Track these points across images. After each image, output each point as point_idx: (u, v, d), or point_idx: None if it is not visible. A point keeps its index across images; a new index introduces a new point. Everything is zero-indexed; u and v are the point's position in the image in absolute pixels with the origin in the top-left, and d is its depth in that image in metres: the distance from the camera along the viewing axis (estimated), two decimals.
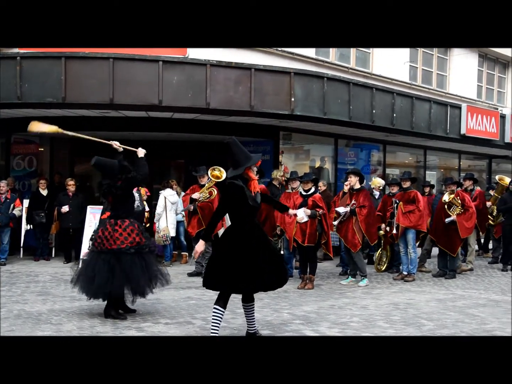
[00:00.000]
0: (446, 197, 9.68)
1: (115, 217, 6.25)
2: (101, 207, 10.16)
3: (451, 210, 9.62)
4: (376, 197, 10.47)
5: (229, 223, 5.24)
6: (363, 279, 8.83)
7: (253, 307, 5.25)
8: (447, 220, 9.59)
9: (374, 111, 12.07)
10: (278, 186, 10.17)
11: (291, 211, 5.99)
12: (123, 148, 6.48)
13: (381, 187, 10.83)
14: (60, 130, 6.55)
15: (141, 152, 6.42)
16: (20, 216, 10.79)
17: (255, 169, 5.32)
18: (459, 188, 10.33)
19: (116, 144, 6.47)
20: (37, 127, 6.51)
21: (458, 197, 9.67)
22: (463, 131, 14.39)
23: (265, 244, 5.11)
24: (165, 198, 10.54)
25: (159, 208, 10.49)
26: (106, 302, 6.25)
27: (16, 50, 10.65)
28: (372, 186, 11.07)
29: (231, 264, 4.89)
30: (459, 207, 9.60)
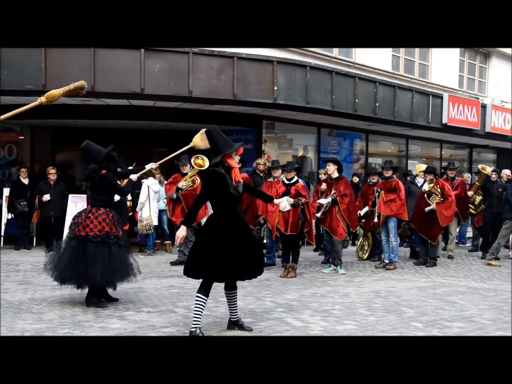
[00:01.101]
0: (425, 186, 9.78)
1: (92, 204, 6.27)
2: (83, 196, 10.13)
3: (430, 199, 9.73)
4: (419, 184, 10.53)
5: (211, 212, 5.24)
6: (341, 267, 8.92)
7: (236, 295, 5.28)
8: (426, 209, 9.70)
9: (356, 100, 12.11)
10: (261, 175, 10.19)
11: (276, 201, 5.94)
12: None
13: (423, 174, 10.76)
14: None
15: (134, 177, 6.83)
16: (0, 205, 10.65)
17: (236, 157, 5.25)
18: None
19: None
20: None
21: (438, 186, 9.79)
22: (444, 120, 14.52)
23: (247, 233, 5.12)
24: (148, 187, 10.49)
25: (142, 197, 10.44)
26: (78, 289, 6.25)
27: None
28: (415, 173, 11.19)
29: (213, 252, 4.89)
30: (439, 196, 9.71)
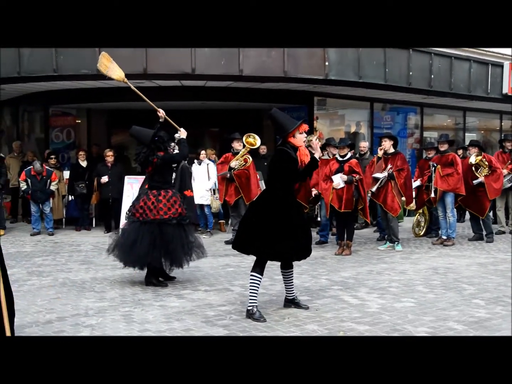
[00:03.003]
0: (472, 159, 9.50)
1: (157, 187, 6.28)
2: (138, 177, 10.29)
3: (478, 171, 9.46)
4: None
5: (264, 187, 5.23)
6: (398, 244, 8.77)
7: (292, 273, 5.28)
8: (475, 181, 9.43)
9: (411, 73, 11.78)
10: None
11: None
12: (165, 118, 6.49)
13: None
14: (126, 80, 6.56)
15: (184, 133, 6.52)
16: (57, 189, 10.98)
17: (301, 136, 5.03)
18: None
19: (161, 113, 6.46)
20: (106, 67, 6.50)
21: (485, 159, 9.49)
22: (505, 90, 13.94)
23: (300, 215, 5.13)
24: (207, 166, 10.54)
25: (213, 177, 10.42)
26: (145, 270, 6.39)
27: None
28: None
29: (266, 230, 4.86)
30: (486, 169, 9.42)
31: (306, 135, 5.14)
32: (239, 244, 5.07)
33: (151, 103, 6.55)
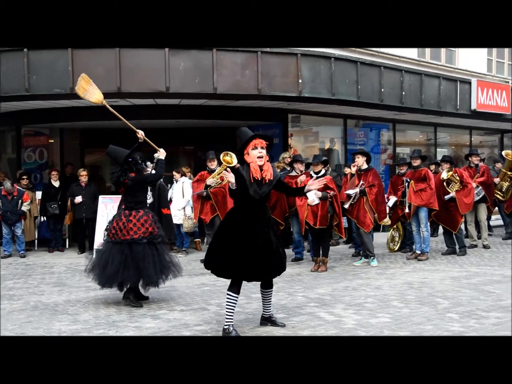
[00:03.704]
0: (444, 175, 9.66)
1: (129, 208, 6.30)
2: (113, 196, 10.23)
3: (449, 187, 9.61)
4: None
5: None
6: (373, 259, 8.83)
7: (271, 293, 5.26)
8: (446, 197, 9.59)
9: (382, 90, 11.97)
10: (288, 169, 10.15)
11: (309, 190, 5.21)
12: (144, 140, 6.51)
13: None
14: (104, 102, 6.54)
15: (163, 154, 6.53)
16: (29, 210, 10.81)
17: (253, 152, 4.84)
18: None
19: (140, 134, 6.49)
20: (84, 91, 6.47)
21: (456, 174, 9.66)
22: (473, 106, 14.23)
23: (264, 232, 4.88)
24: (183, 184, 10.54)
25: (187, 195, 10.41)
26: (120, 291, 6.35)
27: None
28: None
29: (222, 249, 4.87)
30: (458, 184, 9.58)
31: (261, 151, 4.85)
32: (206, 263, 5.08)
33: (129, 124, 6.56)
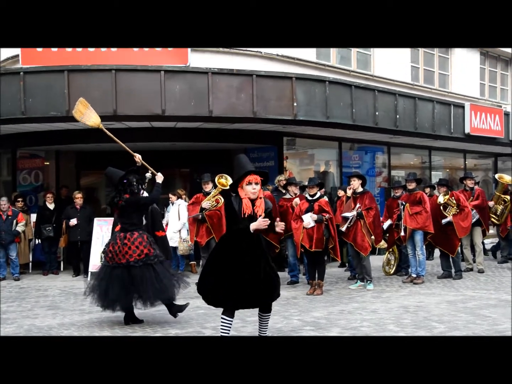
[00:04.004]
0: (441, 199, 9.66)
1: (124, 230, 6.30)
2: (108, 219, 10.20)
3: (446, 211, 9.61)
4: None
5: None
6: (369, 283, 8.80)
7: (269, 317, 5.22)
8: (443, 221, 9.58)
9: (377, 113, 12.06)
10: (283, 191, 10.17)
11: (277, 228, 5.16)
12: (142, 163, 6.57)
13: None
14: (101, 126, 6.59)
15: (160, 178, 6.58)
16: (24, 233, 10.77)
17: (247, 188, 4.85)
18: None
19: (138, 158, 6.56)
20: (81, 114, 6.52)
21: (453, 197, 9.68)
22: (467, 130, 14.35)
23: (255, 260, 4.87)
24: (179, 206, 10.55)
25: (183, 218, 10.42)
26: (114, 313, 6.37)
27: (19, 65, 10.73)
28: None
29: (213, 276, 4.87)
30: (455, 208, 9.60)
31: (254, 187, 4.85)
32: (197, 286, 5.06)
33: (126, 147, 6.61)
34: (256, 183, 4.89)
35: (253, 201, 4.90)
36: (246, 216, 4.83)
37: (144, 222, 8.35)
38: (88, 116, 6.58)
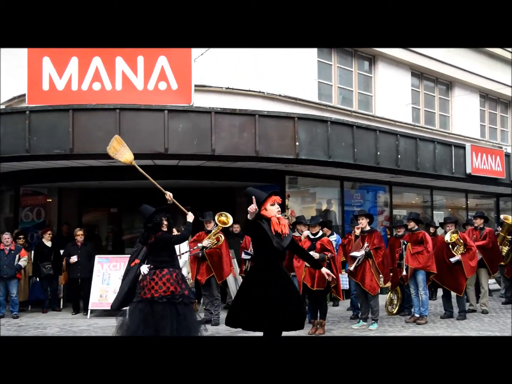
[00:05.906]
0: (448, 237, 9.62)
1: (155, 266, 6.29)
2: (109, 256, 10.17)
3: (454, 249, 9.56)
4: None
5: (237, 269, 5.25)
6: (374, 323, 8.68)
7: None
8: (452, 260, 9.51)
9: (378, 153, 12.13)
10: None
11: (323, 270, 6.01)
12: (173, 202, 6.68)
13: None
14: (134, 163, 6.65)
15: (190, 217, 6.65)
16: (24, 269, 10.69)
17: (272, 208, 5.10)
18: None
19: (169, 195, 6.66)
20: (114, 151, 6.59)
21: (459, 237, 9.64)
22: (468, 170, 14.40)
23: (284, 285, 5.07)
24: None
25: (186, 255, 10.35)
26: None
27: (25, 104, 10.88)
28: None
29: (244, 302, 4.97)
30: (462, 247, 9.55)
31: (278, 207, 5.14)
32: (228, 319, 5.12)
33: (158, 185, 6.68)
34: (279, 204, 5.17)
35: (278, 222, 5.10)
36: (275, 233, 5.01)
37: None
38: (121, 152, 6.68)
